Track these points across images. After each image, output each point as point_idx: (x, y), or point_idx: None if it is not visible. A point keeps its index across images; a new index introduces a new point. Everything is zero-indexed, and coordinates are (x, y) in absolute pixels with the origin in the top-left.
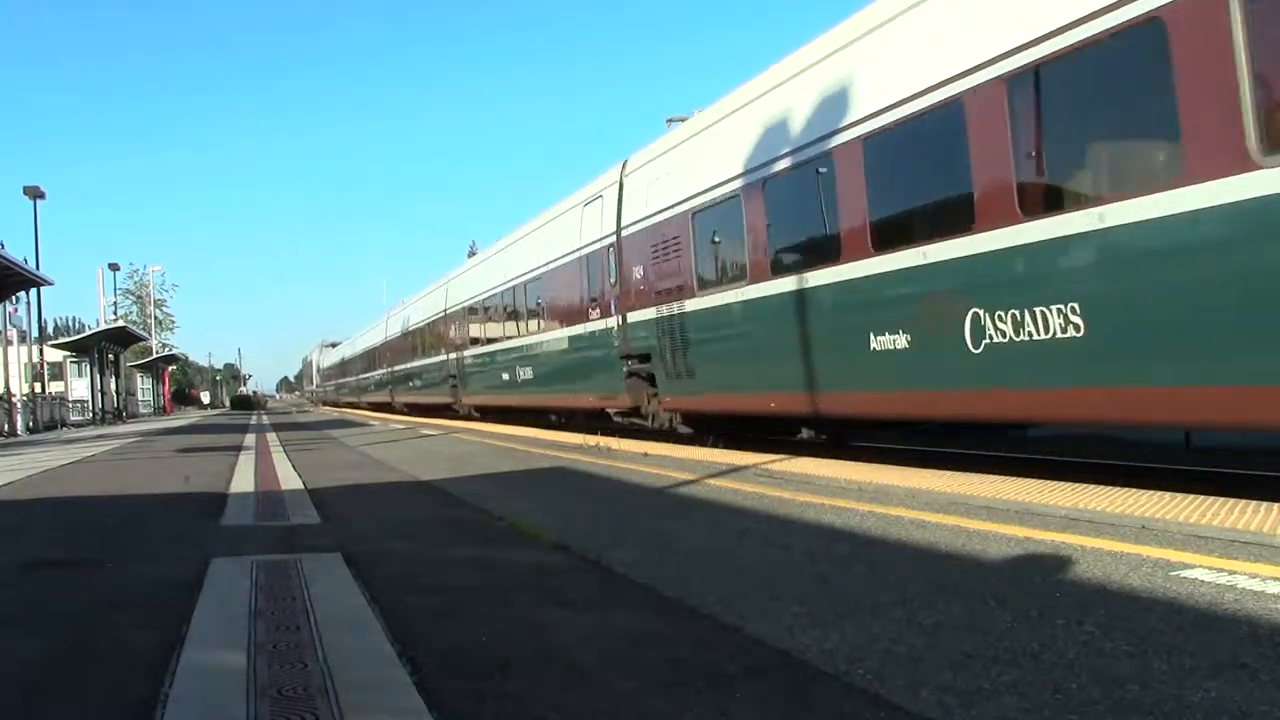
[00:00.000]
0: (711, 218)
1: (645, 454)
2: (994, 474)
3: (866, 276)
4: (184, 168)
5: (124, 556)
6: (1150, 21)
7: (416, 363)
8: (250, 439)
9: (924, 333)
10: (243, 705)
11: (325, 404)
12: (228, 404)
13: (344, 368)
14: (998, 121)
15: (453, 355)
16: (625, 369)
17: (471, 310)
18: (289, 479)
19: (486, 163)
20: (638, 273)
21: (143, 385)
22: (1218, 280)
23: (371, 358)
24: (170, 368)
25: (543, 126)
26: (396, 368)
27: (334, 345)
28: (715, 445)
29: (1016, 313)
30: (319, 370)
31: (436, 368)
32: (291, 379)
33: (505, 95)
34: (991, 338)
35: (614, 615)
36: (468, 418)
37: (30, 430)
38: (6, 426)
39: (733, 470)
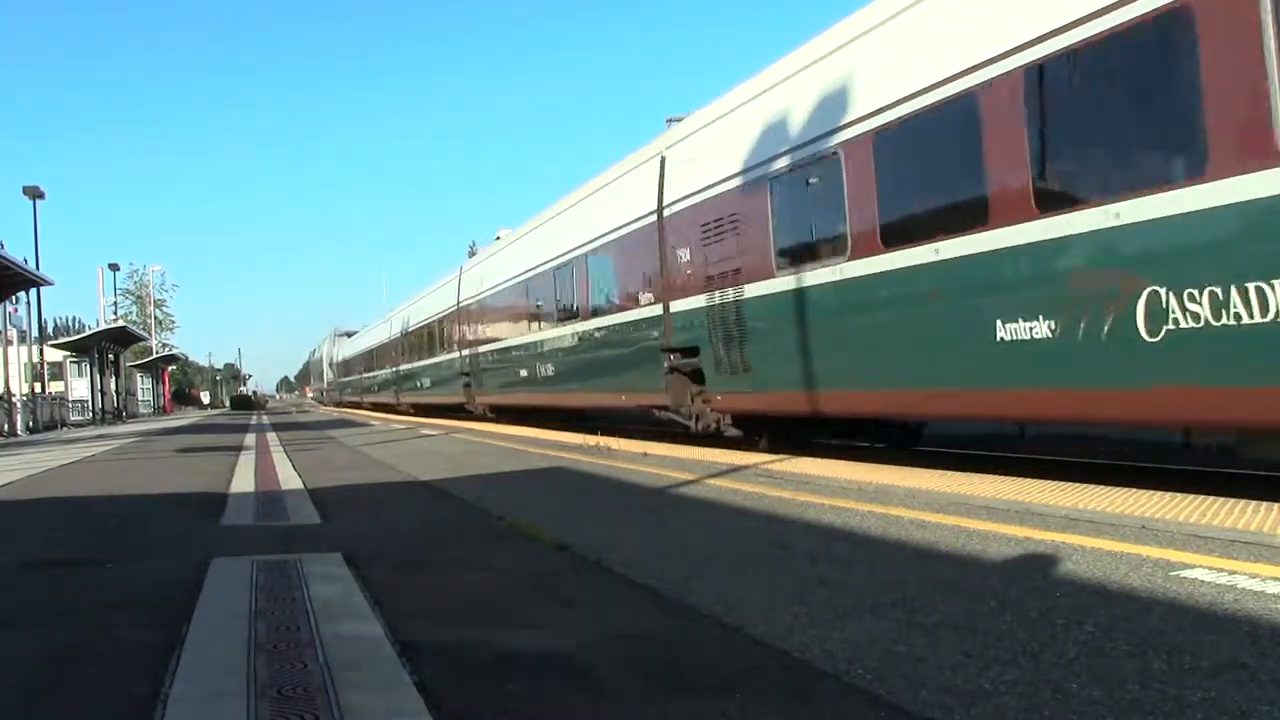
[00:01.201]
0: None
1: (645, 454)
2: (994, 474)
3: None
4: (184, 168)
5: (124, 556)
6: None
7: (538, 334)
8: (250, 439)
9: None
10: (243, 705)
11: (343, 404)
12: (228, 404)
13: (373, 357)
14: None
15: (686, 303)
16: None
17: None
18: (289, 479)
19: (487, 163)
20: None
21: (143, 385)
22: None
23: (430, 337)
24: (170, 368)
25: (543, 127)
26: (486, 347)
27: (350, 334)
28: None
29: None
30: (333, 364)
31: (631, 331)
32: (292, 379)
33: (506, 96)
34: None
35: (614, 615)
36: (726, 443)
37: (30, 430)
38: (6, 426)
39: (733, 470)
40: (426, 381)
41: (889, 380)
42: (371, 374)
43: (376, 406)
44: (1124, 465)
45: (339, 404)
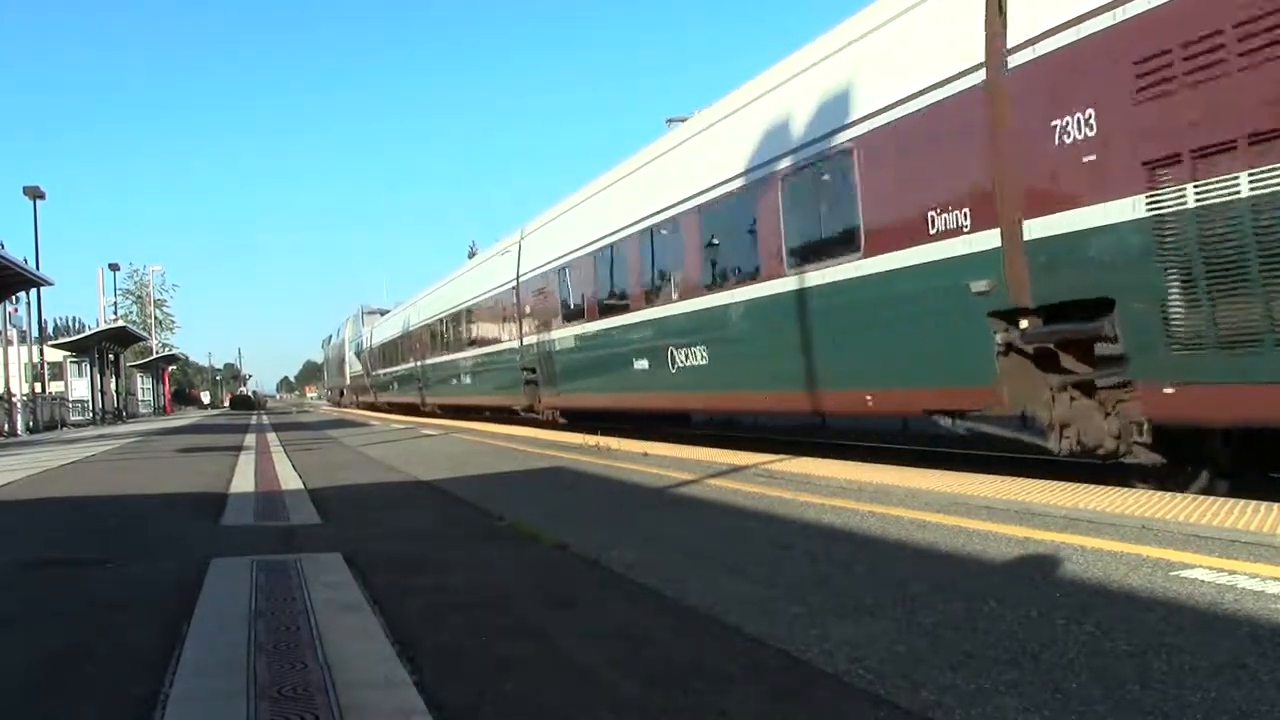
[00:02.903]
0: None
1: (645, 454)
2: (994, 474)
3: None
4: (184, 168)
5: (124, 556)
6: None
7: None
8: (250, 439)
9: None
10: (243, 705)
11: (377, 406)
12: (228, 404)
13: (458, 331)
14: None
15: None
16: None
17: None
18: (289, 479)
19: (487, 164)
20: None
21: (143, 385)
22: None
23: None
24: (170, 368)
25: (543, 129)
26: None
27: (382, 312)
28: None
29: None
30: (362, 351)
31: None
32: (292, 379)
33: (507, 97)
34: None
35: (614, 615)
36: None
37: (30, 430)
38: (6, 426)
39: (733, 470)
40: (687, 357)
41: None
42: (447, 358)
43: (458, 411)
44: (1124, 465)
45: (370, 406)
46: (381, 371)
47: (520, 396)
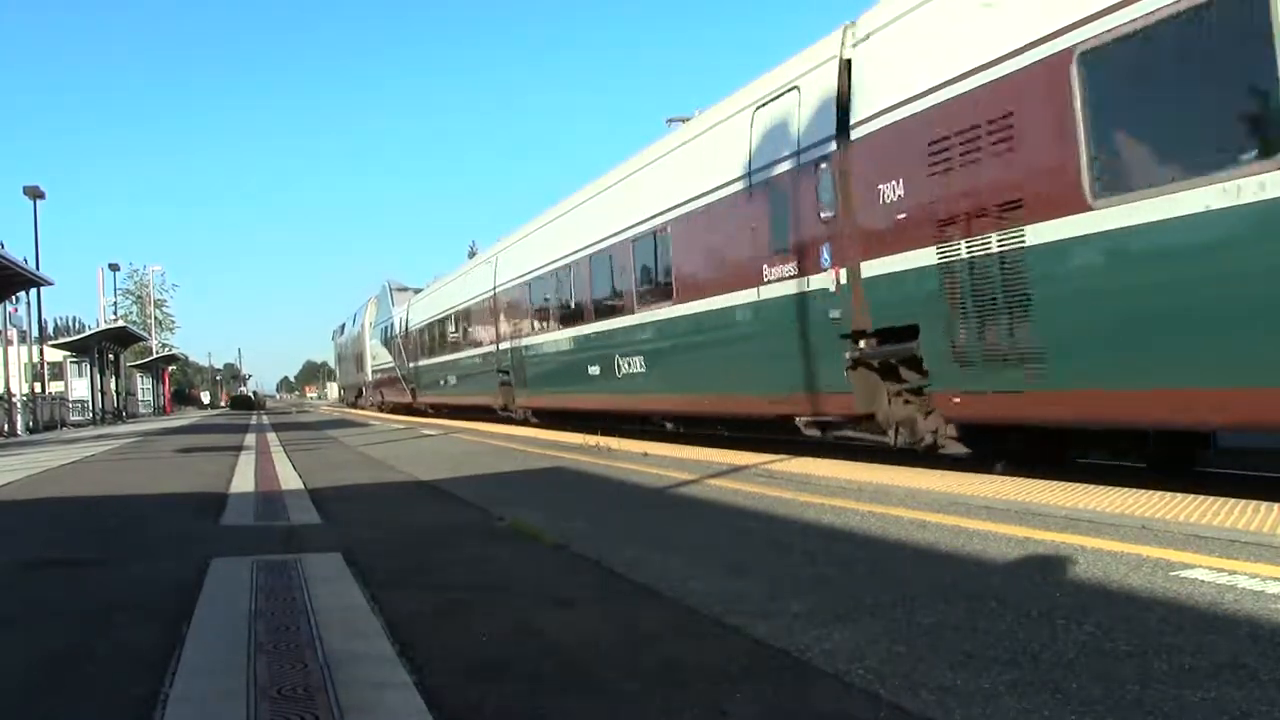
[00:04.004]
0: None
1: (645, 454)
2: (994, 474)
3: None
4: (184, 167)
5: (124, 556)
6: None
7: None
8: (250, 439)
9: None
10: (243, 705)
11: (413, 409)
12: (227, 404)
13: (554, 292)
14: None
15: None
16: None
17: None
18: (289, 479)
19: (487, 164)
20: None
21: (143, 385)
22: None
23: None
24: (170, 368)
25: (543, 130)
26: None
27: (416, 290)
28: None
29: None
30: (396, 338)
31: None
32: (292, 379)
33: (507, 95)
34: None
35: (614, 615)
36: None
37: (30, 430)
38: (6, 426)
39: (733, 470)
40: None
41: None
42: (578, 331)
43: (599, 422)
44: (1124, 465)
45: (406, 409)
46: (427, 362)
47: (844, 392)
